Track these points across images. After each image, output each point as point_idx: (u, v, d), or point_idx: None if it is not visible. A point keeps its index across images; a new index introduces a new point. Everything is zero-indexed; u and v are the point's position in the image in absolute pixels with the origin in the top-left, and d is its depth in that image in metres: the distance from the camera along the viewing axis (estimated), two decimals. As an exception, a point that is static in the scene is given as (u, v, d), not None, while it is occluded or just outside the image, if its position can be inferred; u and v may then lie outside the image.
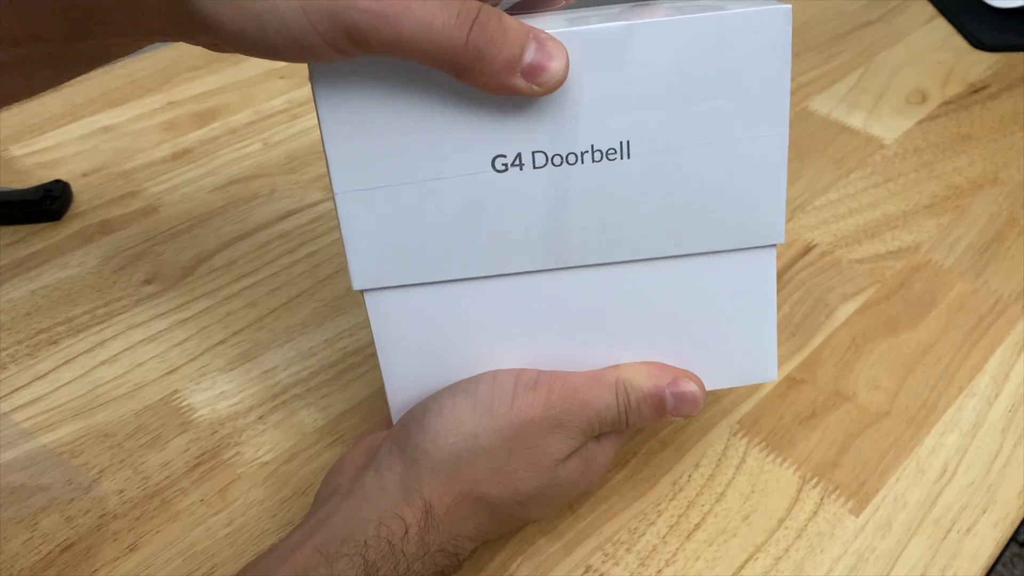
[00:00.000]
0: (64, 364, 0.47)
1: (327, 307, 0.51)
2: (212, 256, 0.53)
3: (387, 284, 0.34)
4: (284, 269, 0.53)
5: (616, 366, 0.36)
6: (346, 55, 0.29)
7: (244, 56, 0.31)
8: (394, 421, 0.38)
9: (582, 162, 0.32)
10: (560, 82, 0.30)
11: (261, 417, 0.45)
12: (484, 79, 0.30)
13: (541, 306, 0.35)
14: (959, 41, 0.75)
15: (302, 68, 0.60)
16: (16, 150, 0.62)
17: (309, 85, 0.31)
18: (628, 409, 0.35)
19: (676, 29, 0.31)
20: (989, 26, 0.76)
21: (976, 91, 0.69)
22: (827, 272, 0.54)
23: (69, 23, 0.29)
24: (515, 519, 0.36)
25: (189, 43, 0.31)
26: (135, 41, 0.31)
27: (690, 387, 0.36)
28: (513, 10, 0.37)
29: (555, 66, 0.30)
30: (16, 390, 0.46)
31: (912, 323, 0.51)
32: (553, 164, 0.32)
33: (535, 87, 0.30)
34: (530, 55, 0.29)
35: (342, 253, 0.54)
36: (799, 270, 0.54)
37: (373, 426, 0.40)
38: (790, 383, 0.47)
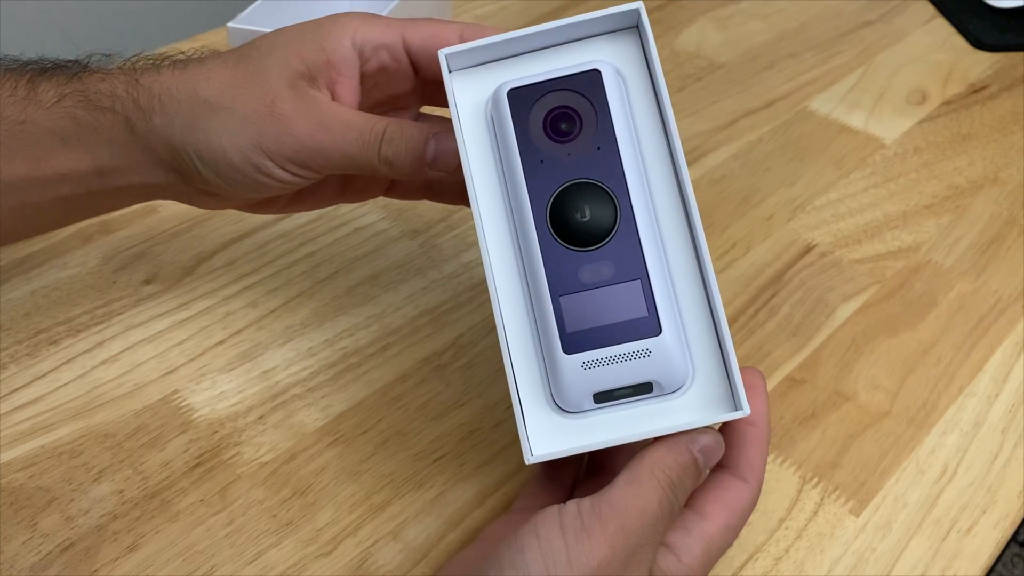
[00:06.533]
0: (64, 364, 0.47)
1: (327, 307, 0.51)
2: (212, 256, 0.53)
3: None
4: (284, 269, 0.53)
5: (640, 455, 0.33)
6: (291, 178, 0.38)
7: None
8: None
9: None
10: (457, 160, 0.37)
11: (261, 417, 0.45)
12: (399, 176, 0.39)
13: None
14: (959, 41, 0.75)
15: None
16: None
17: None
18: (675, 494, 0.32)
19: None
20: (989, 26, 0.76)
21: (976, 91, 0.69)
22: (827, 272, 0.54)
23: (97, 167, 0.39)
24: None
25: (181, 199, 0.41)
26: (137, 192, 0.41)
27: (707, 439, 0.33)
28: None
29: (451, 153, 0.37)
30: (16, 390, 0.46)
31: (912, 323, 0.51)
32: None
33: (441, 172, 0.38)
34: (432, 150, 0.37)
35: (342, 253, 0.54)
36: (799, 270, 0.54)
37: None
38: (790, 383, 0.47)
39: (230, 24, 0.57)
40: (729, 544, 0.34)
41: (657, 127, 0.36)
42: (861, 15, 0.78)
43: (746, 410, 0.32)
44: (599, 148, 0.34)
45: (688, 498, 0.34)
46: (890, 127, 0.65)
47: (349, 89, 0.39)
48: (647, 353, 0.33)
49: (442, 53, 0.36)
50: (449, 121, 0.36)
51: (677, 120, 0.65)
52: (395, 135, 0.37)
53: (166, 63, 0.39)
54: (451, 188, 0.44)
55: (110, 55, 0.42)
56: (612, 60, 0.36)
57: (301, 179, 0.39)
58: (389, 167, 0.38)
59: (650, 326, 0.33)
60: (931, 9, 0.79)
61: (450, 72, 0.36)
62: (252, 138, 0.37)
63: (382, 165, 0.38)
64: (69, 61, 0.40)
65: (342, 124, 0.37)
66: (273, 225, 0.56)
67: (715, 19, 0.77)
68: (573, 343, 0.33)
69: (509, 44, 0.36)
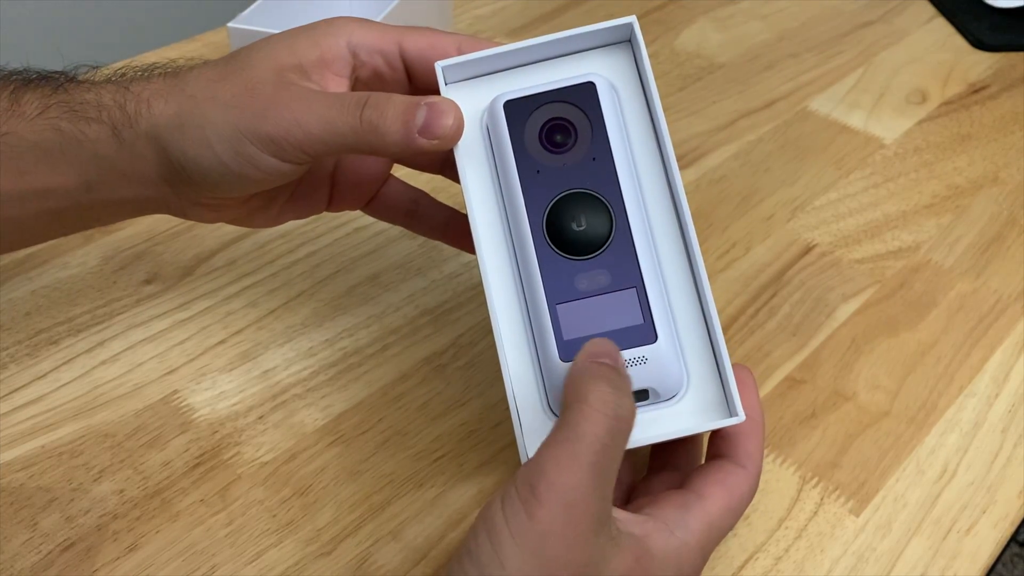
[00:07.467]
0: (64, 364, 0.47)
1: (327, 307, 0.51)
2: (212, 256, 0.53)
3: None
4: (284, 269, 0.53)
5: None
6: (275, 164, 0.36)
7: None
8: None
9: None
10: (456, 133, 0.35)
11: (261, 417, 0.45)
12: (389, 147, 0.35)
13: None
14: (959, 41, 0.75)
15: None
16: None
17: None
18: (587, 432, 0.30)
19: None
20: (989, 26, 0.76)
21: (976, 91, 0.69)
22: (827, 272, 0.54)
23: (84, 182, 0.38)
24: None
25: (173, 212, 0.40)
26: (128, 206, 0.40)
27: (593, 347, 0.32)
28: None
29: (447, 121, 0.34)
30: (16, 390, 0.46)
31: (912, 323, 0.51)
32: None
33: (434, 141, 0.34)
34: (422, 116, 0.34)
35: (342, 253, 0.54)
36: (799, 270, 0.54)
37: None
38: (790, 383, 0.47)
39: (230, 24, 0.57)
40: (729, 527, 0.34)
41: (650, 138, 0.36)
42: (861, 15, 0.78)
43: (741, 416, 0.33)
44: (594, 159, 0.35)
45: (688, 481, 0.35)
46: (890, 127, 0.65)
47: (339, 87, 0.38)
48: (643, 360, 0.33)
49: (439, 65, 0.36)
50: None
51: (677, 120, 0.65)
52: (379, 100, 0.35)
53: (156, 71, 0.39)
54: (434, 217, 0.45)
55: (97, 67, 0.41)
56: (606, 73, 0.37)
57: (286, 165, 0.37)
58: (374, 133, 0.35)
59: (646, 334, 0.33)
60: (931, 9, 0.79)
61: (446, 84, 0.37)
62: (233, 122, 0.36)
63: (365, 129, 0.35)
64: (55, 72, 0.40)
65: (322, 95, 0.36)
66: (273, 225, 0.56)
67: (715, 19, 0.77)
68: (570, 350, 0.33)
69: (504, 57, 0.37)
